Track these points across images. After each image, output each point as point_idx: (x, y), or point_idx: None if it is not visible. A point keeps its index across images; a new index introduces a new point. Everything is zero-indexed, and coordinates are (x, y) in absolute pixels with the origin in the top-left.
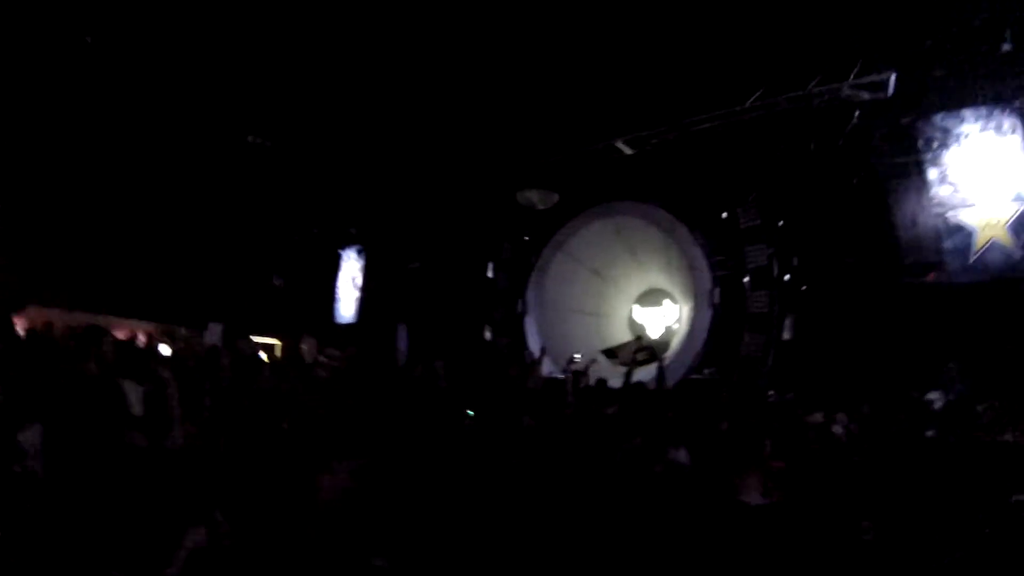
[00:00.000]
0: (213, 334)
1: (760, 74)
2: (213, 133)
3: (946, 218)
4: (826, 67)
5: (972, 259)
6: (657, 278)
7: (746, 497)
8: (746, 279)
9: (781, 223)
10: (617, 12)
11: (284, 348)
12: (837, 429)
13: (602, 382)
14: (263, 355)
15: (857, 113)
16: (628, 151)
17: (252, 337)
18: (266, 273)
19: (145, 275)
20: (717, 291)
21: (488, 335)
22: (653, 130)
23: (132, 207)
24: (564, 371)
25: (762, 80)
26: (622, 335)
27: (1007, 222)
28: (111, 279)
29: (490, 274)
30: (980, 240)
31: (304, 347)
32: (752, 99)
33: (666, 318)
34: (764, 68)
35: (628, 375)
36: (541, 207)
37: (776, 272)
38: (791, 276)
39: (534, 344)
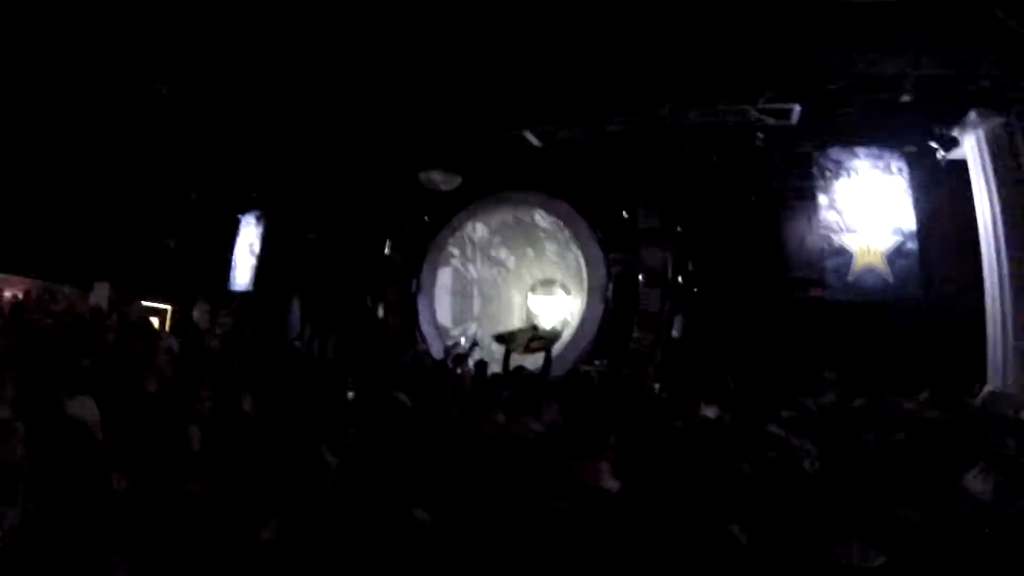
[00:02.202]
0: (99, 294)
1: (675, 86)
2: (108, 77)
3: (831, 240)
4: (738, 89)
5: (850, 279)
6: (553, 269)
7: (601, 482)
8: (640, 277)
9: (679, 228)
10: (544, 8)
11: (175, 313)
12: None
13: (483, 365)
14: (153, 320)
15: (761, 136)
16: (536, 143)
17: (143, 301)
18: (160, 233)
19: (26, 228)
20: (611, 287)
21: (381, 313)
22: (564, 125)
23: (14, 152)
24: (446, 354)
25: (676, 92)
26: (515, 321)
27: (884, 251)
28: None
29: (387, 252)
30: (858, 263)
31: (196, 313)
32: (664, 109)
33: (559, 308)
34: (680, 81)
35: (506, 361)
36: (444, 188)
37: (670, 274)
38: (684, 279)
39: (426, 324)
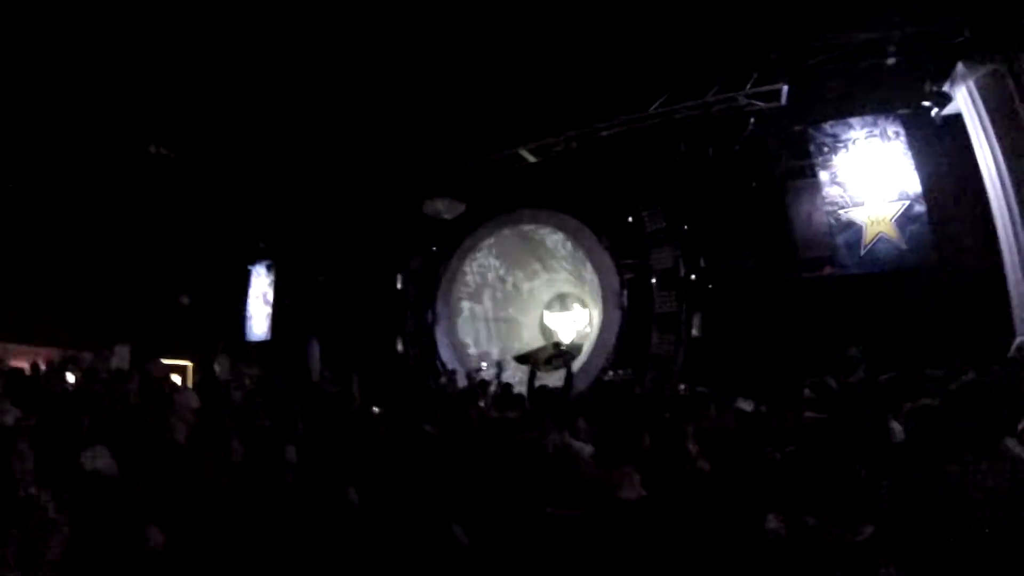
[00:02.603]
0: (120, 357)
1: (660, 83)
2: (114, 143)
3: (838, 216)
4: (723, 78)
5: (863, 252)
6: (566, 283)
7: (623, 493)
8: (653, 281)
9: (685, 226)
10: (518, 24)
11: (197, 368)
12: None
13: (507, 387)
14: (175, 377)
15: (753, 121)
16: (532, 159)
17: (162, 359)
18: (173, 291)
19: (43, 296)
20: (625, 293)
21: (400, 347)
22: (556, 137)
23: (27, 223)
24: (470, 380)
25: (662, 89)
26: (533, 340)
27: (892, 218)
28: (5, 301)
29: (399, 285)
30: (869, 235)
31: (218, 367)
32: (653, 107)
33: (576, 322)
34: (664, 78)
35: (531, 380)
36: (448, 217)
37: (682, 273)
38: (697, 276)
39: (446, 353)
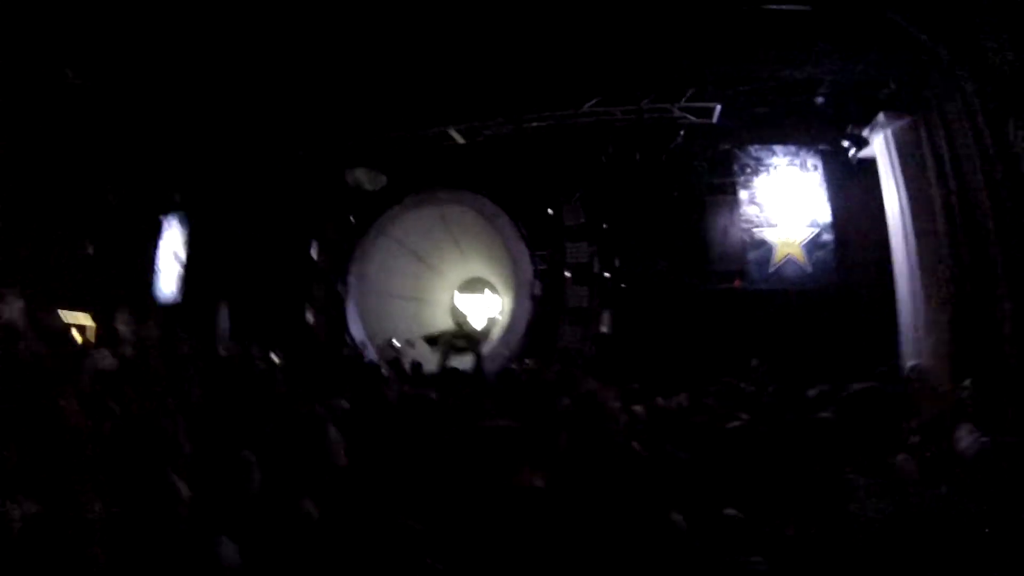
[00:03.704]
0: (11, 306)
1: (597, 84)
2: (17, 63)
3: (752, 234)
4: (660, 88)
5: (771, 271)
6: (480, 268)
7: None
8: (567, 274)
9: (604, 224)
10: (465, 6)
11: (97, 324)
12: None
13: (417, 366)
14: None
15: (682, 134)
16: (460, 140)
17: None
18: (76, 238)
19: None
20: (538, 284)
21: (309, 316)
22: (487, 122)
23: None
24: (381, 355)
25: (598, 90)
26: (443, 322)
27: (802, 242)
28: None
29: (313, 254)
30: (779, 255)
31: (120, 324)
32: (587, 105)
33: (487, 307)
34: (602, 79)
35: (443, 361)
36: (369, 188)
37: (596, 269)
38: (611, 275)
39: (355, 327)
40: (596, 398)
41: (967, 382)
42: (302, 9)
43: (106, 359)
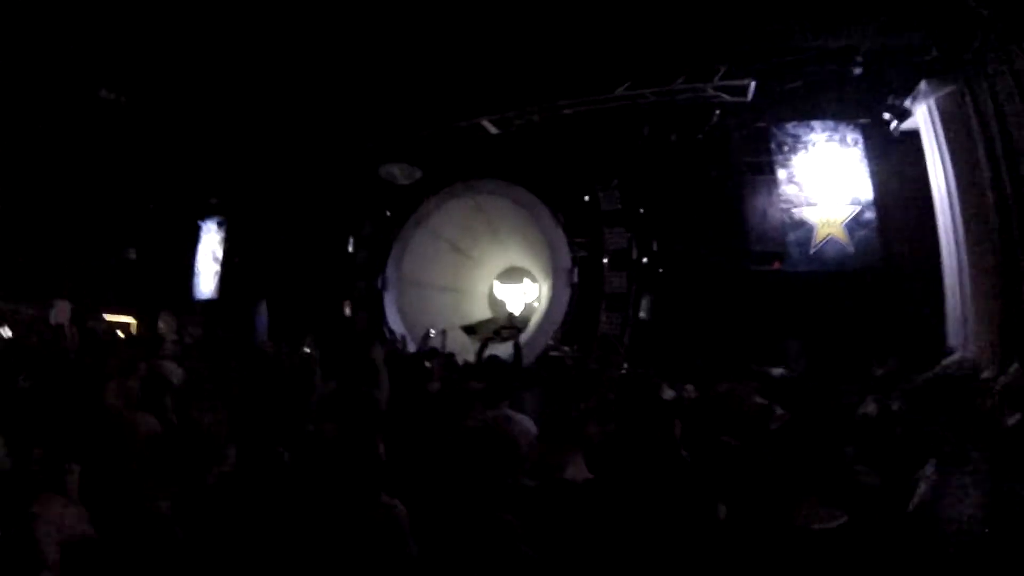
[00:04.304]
0: (60, 313)
1: (630, 66)
2: (62, 86)
3: (791, 214)
4: (693, 67)
5: (811, 251)
6: (517, 256)
7: (570, 474)
8: (605, 260)
9: (641, 209)
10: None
11: (140, 326)
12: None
13: (451, 357)
14: (119, 333)
15: (718, 113)
16: (493, 130)
17: (104, 315)
18: (119, 244)
19: None
20: (576, 271)
21: (348, 311)
22: (519, 110)
23: None
24: (420, 347)
25: (631, 72)
26: (481, 312)
27: (843, 221)
28: None
29: (350, 249)
30: (819, 235)
31: (162, 324)
32: (620, 89)
33: (526, 296)
34: (634, 61)
35: (481, 351)
36: (403, 182)
37: (634, 255)
38: (649, 259)
39: (393, 320)
40: (642, 385)
41: (1014, 367)
42: (333, 6)
43: (174, 372)
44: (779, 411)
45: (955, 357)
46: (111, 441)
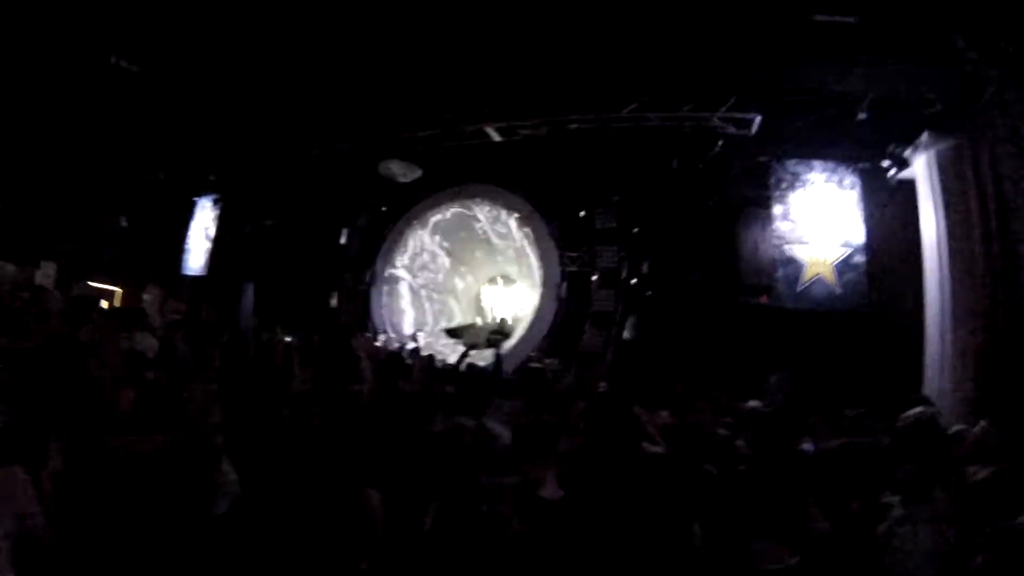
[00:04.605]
0: (45, 274)
1: (638, 88)
2: (68, 49)
3: (783, 250)
4: (701, 96)
5: (799, 289)
6: (508, 264)
7: (544, 492)
8: (594, 277)
9: (635, 229)
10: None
11: (125, 297)
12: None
13: (431, 359)
14: (102, 303)
15: (721, 143)
16: (497, 138)
17: (90, 282)
18: (112, 212)
19: None
20: (565, 285)
21: (334, 302)
22: (525, 121)
23: None
24: (403, 345)
25: (639, 94)
26: (467, 316)
27: (833, 262)
28: None
29: (343, 240)
30: (808, 274)
31: (147, 297)
32: (627, 110)
33: (512, 305)
34: (643, 83)
35: (463, 356)
36: (403, 180)
37: (624, 275)
38: (638, 280)
39: (378, 316)
40: (614, 403)
41: (981, 424)
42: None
43: (150, 345)
44: (741, 444)
45: (915, 411)
46: (95, 415)
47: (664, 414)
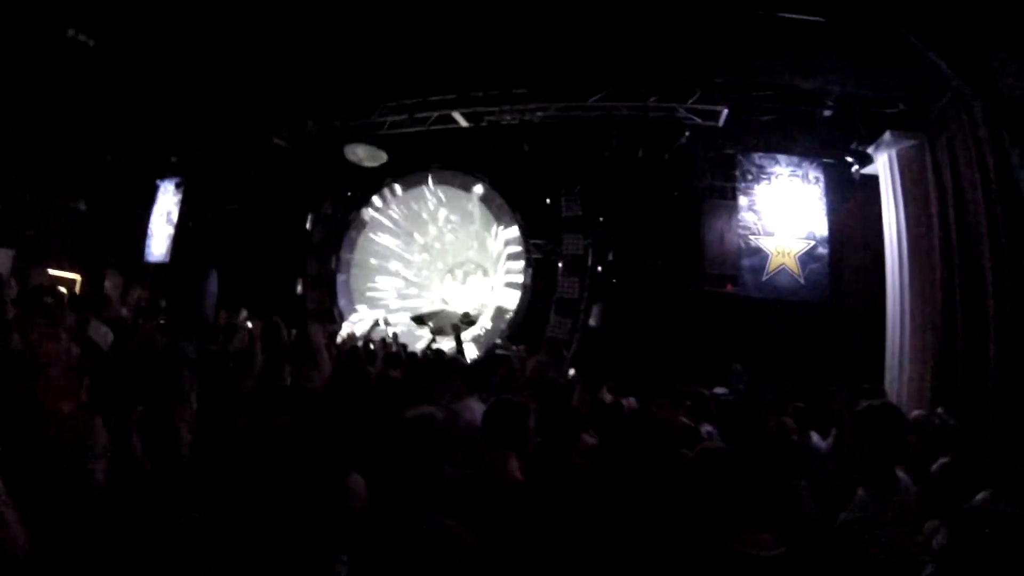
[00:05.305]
0: (1, 261)
1: (606, 77)
2: (25, 20)
3: (748, 240)
4: (669, 87)
5: (764, 279)
6: (473, 251)
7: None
8: (560, 265)
9: (601, 218)
10: None
11: (85, 284)
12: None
13: (389, 344)
14: (62, 290)
15: (687, 135)
16: (464, 123)
17: (48, 269)
18: (69, 195)
19: None
20: (530, 272)
21: (299, 289)
22: (491, 107)
23: None
24: (367, 333)
25: (607, 83)
26: (433, 303)
27: (797, 253)
28: None
29: (308, 226)
30: (773, 264)
31: (109, 284)
32: (594, 99)
33: (478, 291)
34: (612, 73)
35: (430, 344)
36: (368, 164)
37: (590, 262)
38: (603, 268)
39: (344, 302)
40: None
41: (939, 410)
42: None
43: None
44: (706, 430)
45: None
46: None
47: (631, 400)
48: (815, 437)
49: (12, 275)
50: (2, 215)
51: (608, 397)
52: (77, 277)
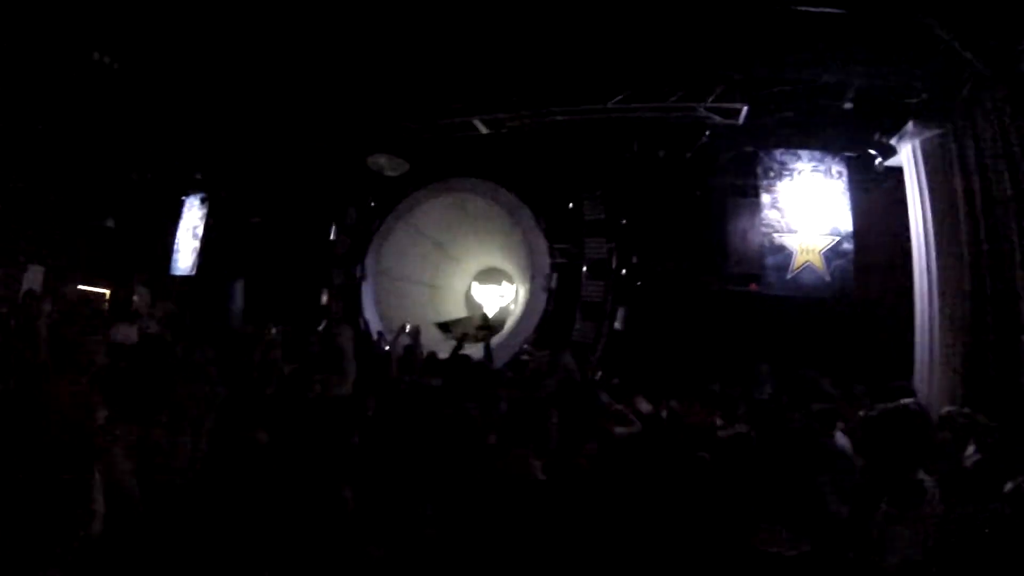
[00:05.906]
0: (32, 278)
1: (625, 79)
2: (52, 44)
3: (772, 238)
4: (688, 86)
5: (788, 277)
6: (497, 258)
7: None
8: (584, 268)
9: (624, 220)
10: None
11: (113, 298)
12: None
13: (432, 354)
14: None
15: (708, 133)
16: (484, 130)
17: (78, 285)
18: (98, 213)
19: None
20: (554, 276)
21: (325, 299)
22: (511, 113)
23: None
24: (393, 341)
25: (626, 85)
26: (457, 310)
27: (822, 250)
28: None
29: (332, 237)
30: (797, 262)
31: (137, 298)
32: (613, 101)
33: (503, 298)
34: (630, 74)
35: (457, 349)
36: (391, 174)
37: (614, 265)
38: (627, 271)
39: (370, 311)
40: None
41: (965, 410)
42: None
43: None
44: (737, 430)
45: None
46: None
47: (642, 400)
48: (840, 437)
49: (45, 292)
50: (33, 234)
51: (646, 406)
52: (106, 292)
